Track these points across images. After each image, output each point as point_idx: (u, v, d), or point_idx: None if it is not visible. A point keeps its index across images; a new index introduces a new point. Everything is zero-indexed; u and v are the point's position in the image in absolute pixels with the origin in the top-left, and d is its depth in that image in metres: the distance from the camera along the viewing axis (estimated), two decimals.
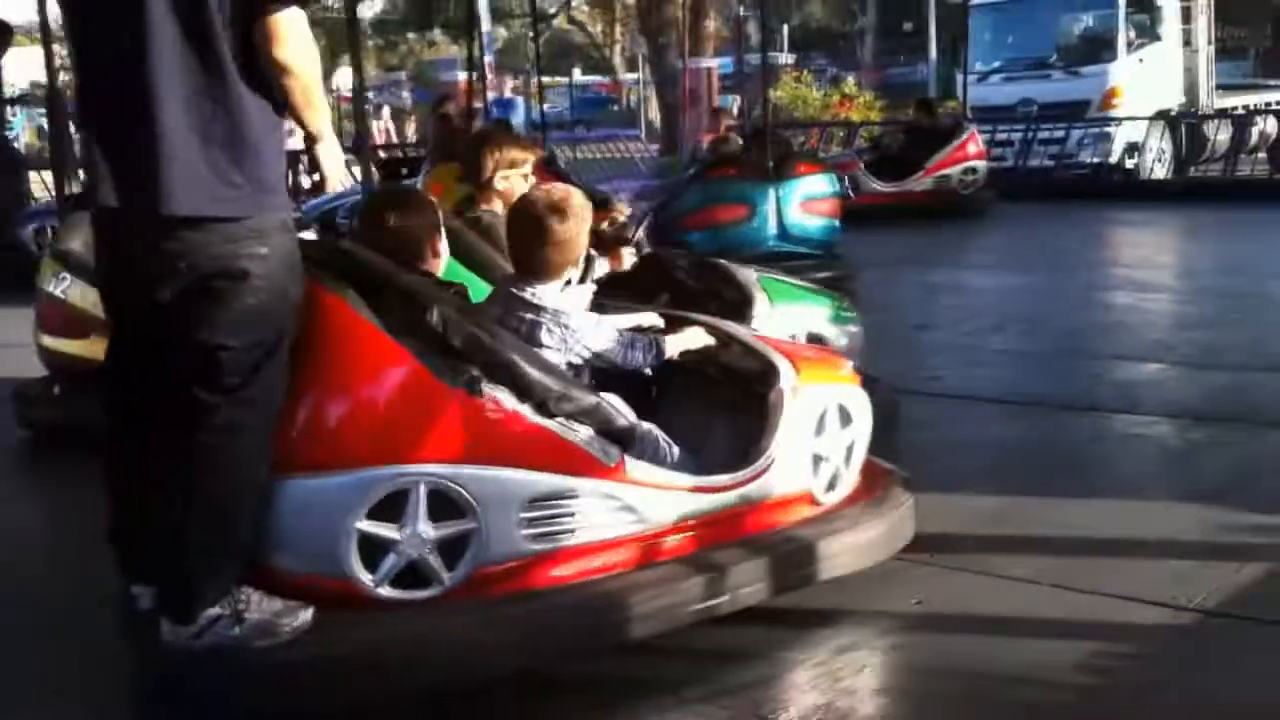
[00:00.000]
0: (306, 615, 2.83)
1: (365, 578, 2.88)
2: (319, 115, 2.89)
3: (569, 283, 3.36)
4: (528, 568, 3.01)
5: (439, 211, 3.51)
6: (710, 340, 3.59)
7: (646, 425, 3.28)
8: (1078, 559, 3.76)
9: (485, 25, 19.17)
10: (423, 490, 2.87)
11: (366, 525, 2.86)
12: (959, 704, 2.94)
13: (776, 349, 3.60)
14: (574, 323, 3.23)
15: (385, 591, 2.90)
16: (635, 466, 3.13)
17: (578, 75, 33.75)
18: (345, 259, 3.05)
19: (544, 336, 3.21)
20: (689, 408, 3.57)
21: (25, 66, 17.00)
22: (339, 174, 2.98)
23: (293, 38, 2.71)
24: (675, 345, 3.46)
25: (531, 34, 16.81)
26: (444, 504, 2.91)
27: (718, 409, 3.57)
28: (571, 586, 3.05)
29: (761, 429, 3.40)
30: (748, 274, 4.58)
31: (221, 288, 2.72)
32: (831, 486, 3.54)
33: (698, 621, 3.14)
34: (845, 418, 3.58)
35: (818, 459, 3.49)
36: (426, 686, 2.86)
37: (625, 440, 3.14)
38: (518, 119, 16.71)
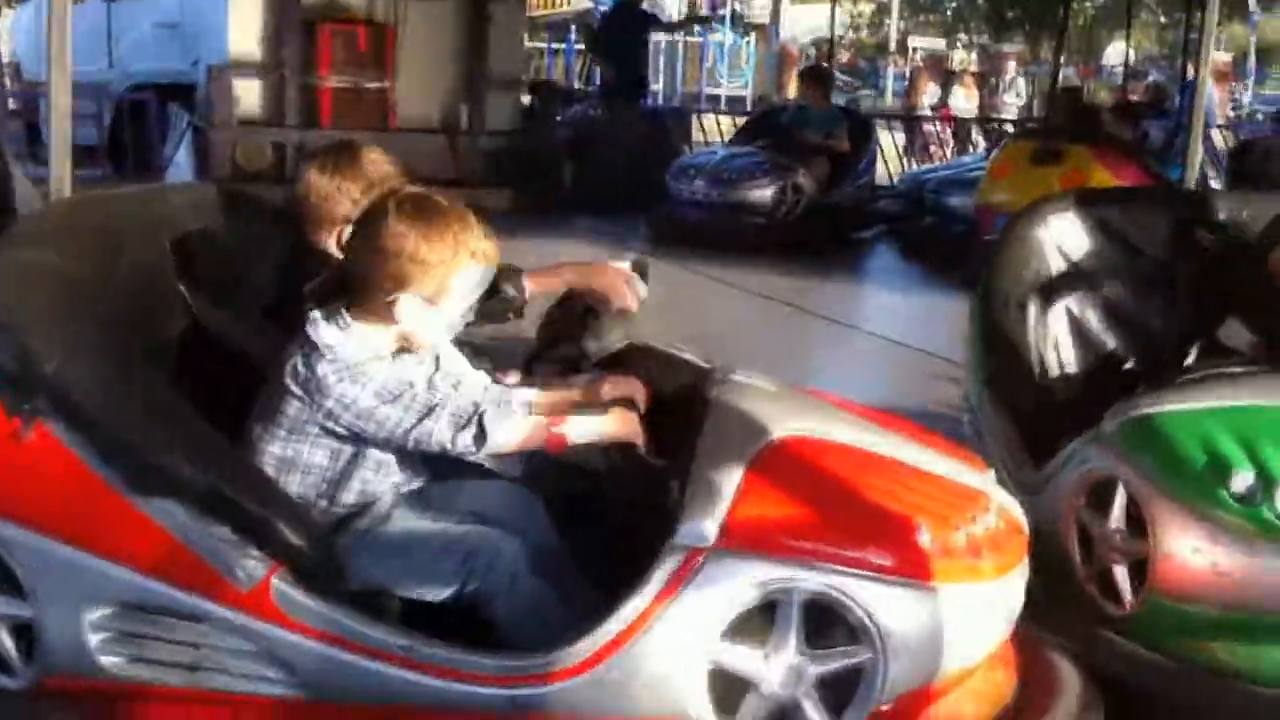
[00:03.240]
0: None
1: None
2: None
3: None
4: (106, 695, 2.04)
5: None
6: (631, 431, 2.17)
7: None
8: None
9: None
10: None
11: None
12: None
13: (722, 474, 2.05)
14: (326, 365, 2.04)
15: None
16: (293, 601, 1.97)
17: None
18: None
19: (288, 375, 2.09)
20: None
21: None
22: None
23: None
24: (528, 427, 2.11)
25: None
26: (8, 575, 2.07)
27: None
28: None
29: (615, 599, 2.00)
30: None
31: None
32: None
33: None
34: (830, 624, 1.99)
35: (719, 674, 1.98)
36: None
37: (283, 553, 1.98)
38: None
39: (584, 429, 2.15)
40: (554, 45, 23.35)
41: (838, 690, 2.00)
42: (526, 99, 11.90)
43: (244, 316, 2.44)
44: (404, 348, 2.16)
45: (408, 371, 2.16)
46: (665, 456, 2.22)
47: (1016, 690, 2.25)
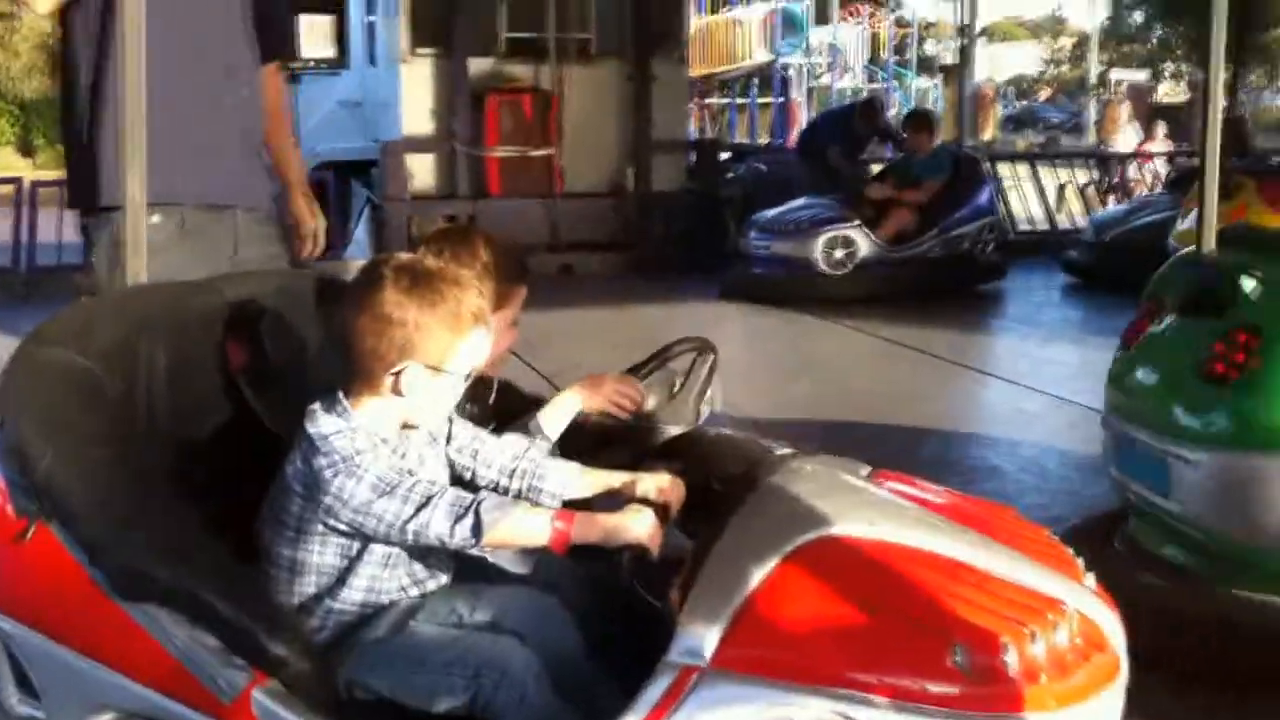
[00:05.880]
0: None
1: None
2: None
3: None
4: None
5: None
6: (644, 535, 1.99)
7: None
8: None
9: None
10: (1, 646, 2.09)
11: None
12: None
13: (733, 580, 1.86)
14: (322, 459, 1.96)
15: None
16: (273, 714, 1.88)
17: None
18: None
19: (290, 473, 2.03)
20: None
21: None
22: None
23: None
24: (529, 523, 1.97)
25: None
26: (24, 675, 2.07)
27: None
28: None
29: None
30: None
31: None
32: None
33: None
34: None
35: None
36: None
37: (267, 663, 1.89)
38: None
39: (590, 529, 1.99)
40: (738, 100, 23.45)
41: None
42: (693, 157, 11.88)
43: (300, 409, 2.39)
44: (408, 425, 2.08)
45: (414, 452, 2.08)
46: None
47: None
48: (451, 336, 2.00)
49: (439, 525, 1.94)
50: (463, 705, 1.96)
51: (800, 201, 9.14)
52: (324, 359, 2.36)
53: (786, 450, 2.27)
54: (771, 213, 9.06)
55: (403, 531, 1.96)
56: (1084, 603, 1.97)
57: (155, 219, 3.02)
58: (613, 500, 2.14)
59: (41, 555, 1.99)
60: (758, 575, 1.86)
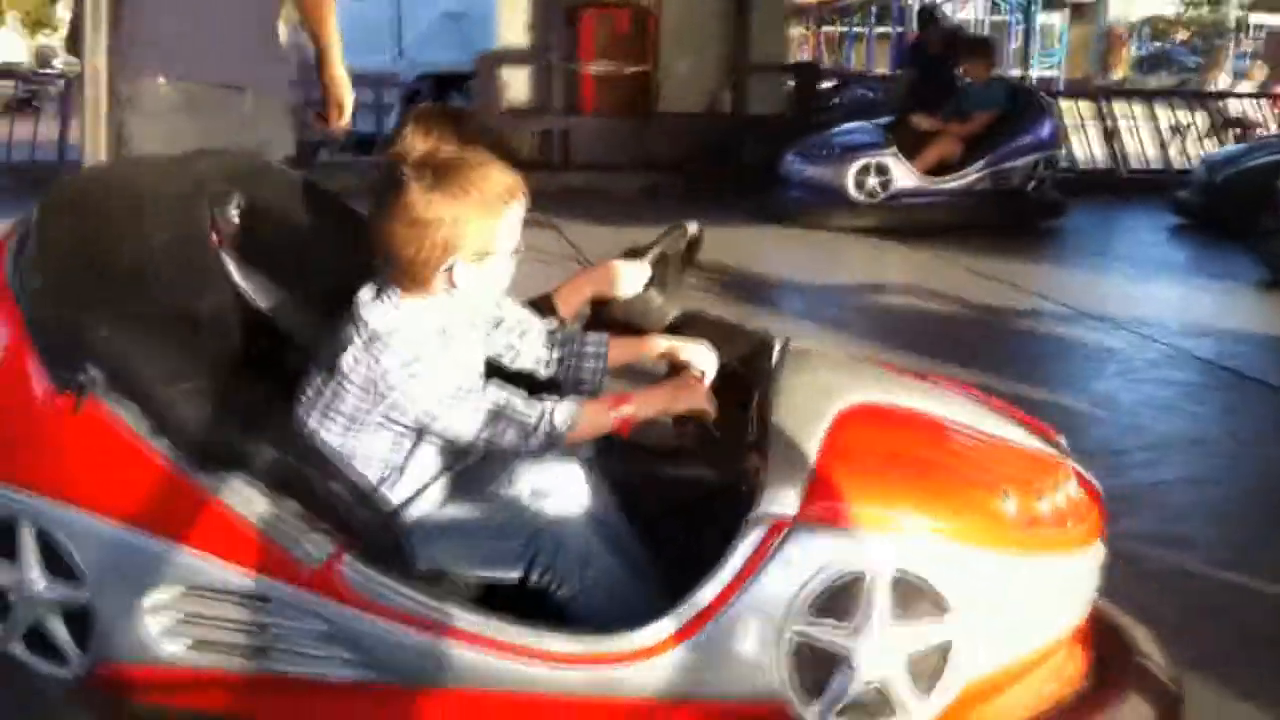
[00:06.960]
0: None
1: None
2: None
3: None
4: (165, 683, 2.02)
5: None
6: (704, 406, 2.06)
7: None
8: None
9: None
10: (25, 526, 2.04)
11: None
12: None
13: (799, 445, 1.99)
14: (390, 357, 1.94)
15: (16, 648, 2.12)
16: (362, 580, 1.92)
17: None
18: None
19: (347, 365, 1.97)
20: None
21: None
22: None
23: None
24: (595, 416, 2.00)
25: None
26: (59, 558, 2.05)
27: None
28: None
29: (696, 575, 1.94)
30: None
31: None
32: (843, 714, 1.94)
33: None
34: (917, 598, 1.93)
35: (805, 650, 1.92)
36: None
37: (351, 531, 1.95)
38: None
39: (651, 404, 2.02)
40: (856, 29, 22.88)
41: (926, 669, 1.95)
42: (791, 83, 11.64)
43: (295, 295, 2.23)
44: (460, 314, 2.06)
45: (459, 336, 2.06)
46: (726, 428, 2.12)
47: (1093, 666, 2.19)
48: (489, 220, 1.97)
49: (512, 438, 1.97)
50: (522, 572, 1.99)
51: (847, 126, 8.79)
52: (312, 240, 2.30)
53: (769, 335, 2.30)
54: (816, 137, 8.74)
55: (474, 439, 1.98)
56: (1074, 461, 2.22)
57: (161, 81, 3.00)
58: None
59: (88, 430, 1.95)
60: (818, 436, 2.00)
